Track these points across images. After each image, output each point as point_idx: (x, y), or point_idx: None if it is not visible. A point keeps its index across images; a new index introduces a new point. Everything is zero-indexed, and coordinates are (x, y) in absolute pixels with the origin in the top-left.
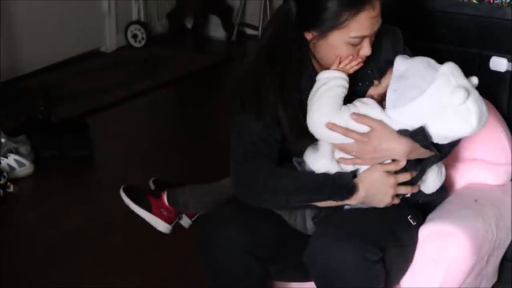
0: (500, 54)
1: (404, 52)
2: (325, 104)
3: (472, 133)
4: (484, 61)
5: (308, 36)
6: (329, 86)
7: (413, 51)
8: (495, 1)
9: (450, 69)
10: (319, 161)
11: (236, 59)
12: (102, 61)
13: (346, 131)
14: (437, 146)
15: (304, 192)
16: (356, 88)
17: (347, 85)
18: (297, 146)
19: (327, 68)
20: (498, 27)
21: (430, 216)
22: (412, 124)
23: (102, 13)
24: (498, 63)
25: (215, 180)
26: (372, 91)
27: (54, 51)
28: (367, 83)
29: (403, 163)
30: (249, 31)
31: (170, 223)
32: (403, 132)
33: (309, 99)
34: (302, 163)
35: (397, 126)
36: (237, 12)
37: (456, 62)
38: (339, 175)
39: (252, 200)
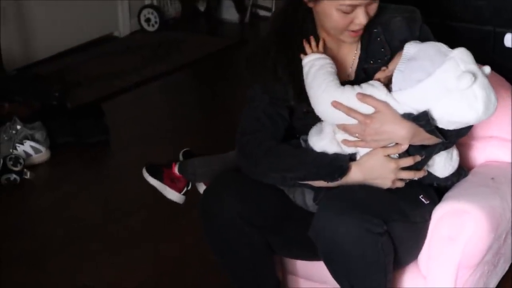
0: None
1: (420, 32)
2: (323, 82)
3: (479, 121)
4: (499, 38)
5: (307, 2)
6: (317, 67)
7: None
8: None
9: (460, 54)
10: (320, 142)
11: (249, 41)
12: (115, 46)
13: (349, 111)
14: (443, 132)
15: (299, 170)
16: (367, 66)
17: (332, 63)
18: (303, 124)
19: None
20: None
21: (446, 195)
22: (417, 107)
23: None
24: None
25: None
26: (380, 74)
27: (67, 37)
28: (379, 60)
29: (405, 147)
30: (262, 13)
31: (179, 192)
32: (407, 116)
33: (305, 83)
34: (307, 141)
35: (402, 109)
36: None
37: (470, 40)
38: (336, 157)
39: (251, 173)
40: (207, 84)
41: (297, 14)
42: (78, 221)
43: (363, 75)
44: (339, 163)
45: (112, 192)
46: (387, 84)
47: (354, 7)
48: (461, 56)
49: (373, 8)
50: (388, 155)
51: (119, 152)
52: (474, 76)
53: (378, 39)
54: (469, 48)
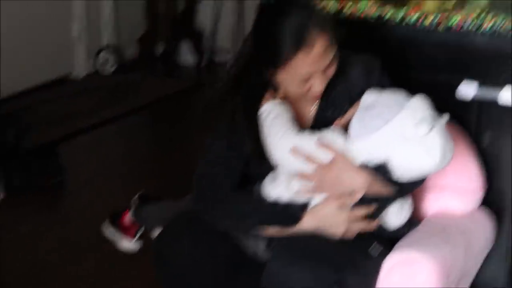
0: (468, 81)
1: (379, 81)
2: (281, 129)
3: (436, 169)
4: (453, 88)
5: (264, 71)
6: (275, 114)
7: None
8: (463, 28)
9: (418, 102)
10: (275, 190)
11: (206, 84)
12: (72, 87)
13: (308, 158)
14: (399, 183)
15: (253, 217)
16: (326, 114)
17: (290, 110)
18: (259, 171)
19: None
20: (466, 54)
21: (398, 244)
22: (375, 155)
23: (72, 38)
24: (466, 90)
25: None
26: (338, 122)
27: (24, 77)
28: (339, 109)
29: (358, 196)
30: (219, 57)
31: (131, 238)
32: (365, 166)
33: (264, 130)
34: (261, 189)
35: (360, 157)
36: (208, 38)
37: (425, 89)
38: (289, 205)
39: (205, 218)
40: (164, 126)
41: (252, 71)
42: (35, 262)
43: (322, 123)
44: (292, 211)
45: (69, 233)
46: (345, 131)
47: (309, 75)
48: (419, 104)
49: (332, 70)
50: (342, 205)
51: (75, 194)
52: (432, 124)
53: (338, 87)
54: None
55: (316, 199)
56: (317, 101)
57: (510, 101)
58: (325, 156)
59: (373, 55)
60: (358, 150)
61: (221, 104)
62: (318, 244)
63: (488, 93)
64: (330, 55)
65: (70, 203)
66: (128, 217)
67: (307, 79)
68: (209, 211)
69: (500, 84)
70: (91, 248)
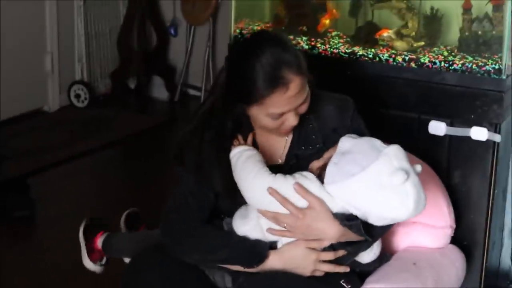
0: (439, 118)
1: (352, 121)
2: (253, 170)
3: (408, 218)
4: (423, 125)
5: (236, 105)
6: (245, 157)
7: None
8: (434, 66)
9: (394, 151)
10: (244, 227)
11: (179, 119)
12: (44, 121)
13: (284, 201)
14: (370, 230)
15: (220, 253)
16: (298, 152)
17: (259, 154)
18: (228, 205)
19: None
20: (437, 92)
21: (368, 279)
22: (349, 200)
23: (45, 72)
24: (437, 127)
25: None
26: (315, 164)
27: None
28: (310, 147)
29: (327, 243)
30: (192, 92)
31: (94, 261)
32: (339, 216)
33: (233, 174)
34: (230, 224)
35: (335, 205)
36: (180, 73)
37: (396, 126)
38: (256, 243)
39: (173, 252)
40: (137, 161)
41: (223, 107)
42: None
43: (293, 161)
44: (259, 250)
45: (38, 267)
46: (320, 174)
47: (282, 114)
48: (395, 153)
49: (305, 107)
50: (311, 248)
51: (45, 227)
52: (407, 174)
53: (310, 125)
54: (394, 133)
55: (285, 239)
56: (290, 136)
57: (482, 137)
58: (300, 201)
59: (345, 94)
60: (333, 196)
61: (192, 138)
62: (286, 281)
63: (459, 129)
64: (304, 94)
65: (39, 237)
66: (99, 240)
67: (280, 115)
68: (177, 244)
69: (471, 120)
70: (61, 281)
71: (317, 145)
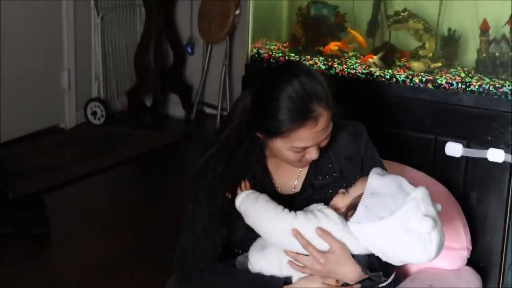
0: (456, 139)
1: (366, 149)
2: (267, 210)
3: (427, 262)
4: (440, 146)
5: (258, 135)
6: (253, 200)
7: (370, 136)
8: (451, 87)
9: (421, 195)
10: (263, 260)
11: (195, 137)
12: (61, 138)
13: (307, 244)
14: (388, 268)
15: None
16: (314, 182)
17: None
18: (243, 239)
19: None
20: (453, 113)
21: None
22: (372, 242)
23: (62, 89)
24: (453, 148)
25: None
26: (340, 201)
27: (13, 126)
28: (327, 177)
29: (341, 282)
30: (208, 110)
31: None
32: (362, 262)
33: (247, 222)
34: (245, 259)
35: (356, 245)
36: (197, 91)
37: (412, 147)
38: (270, 280)
39: None
40: (152, 179)
41: (243, 136)
42: None
43: (310, 190)
44: (274, 286)
45: (52, 283)
46: (345, 211)
47: (306, 148)
48: (422, 197)
49: (326, 141)
50: (327, 285)
51: (59, 244)
52: (434, 221)
53: (327, 154)
54: (411, 154)
55: (299, 273)
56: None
57: (499, 159)
58: (322, 244)
59: (357, 122)
60: (356, 235)
61: (204, 172)
62: None
63: (476, 151)
64: (329, 129)
65: (54, 254)
66: None
67: (304, 149)
68: (189, 283)
69: (488, 142)
70: None
71: (334, 174)
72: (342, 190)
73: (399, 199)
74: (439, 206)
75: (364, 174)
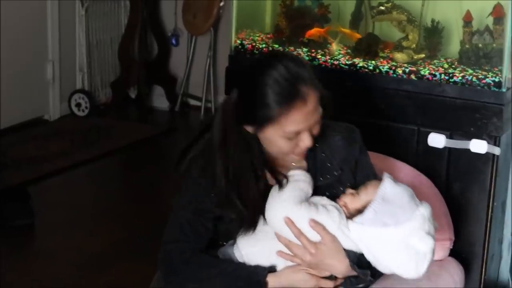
0: (438, 130)
1: (360, 153)
2: (286, 192)
3: (411, 278)
4: (423, 137)
5: (248, 129)
6: (297, 180)
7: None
8: (434, 78)
9: (428, 212)
10: (253, 248)
11: (179, 129)
12: (45, 129)
13: (299, 233)
14: (375, 271)
15: (217, 281)
16: (318, 184)
17: (309, 183)
18: (227, 229)
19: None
20: (436, 104)
21: None
22: (369, 246)
23: (46, 81)
24: (436, 139)
25: (157, 248)
26: (349, 201)
27: None
28: (328, 176)
29: (328, 274)
30: (193, 102)
31: None
32: (352, 257)
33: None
34: (232, 246)
35: (348, 241)
36: (181, 83)
37: (395, 138)
38: (254, 270)
39: (169, 282)
40: (136, 170)
41: (234, 132)
42: None
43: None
44: (257, 278)
45: (37, 276)
46: (353, 213)
47: (298, 132)
48: (428, 215)
49: (317, 128)
50: (312, 274)
51: (44, 236)
52: (433, 241)
53: (323, 154)
54: (394, 145)
55: (285, 262)
56: (303, 166)
57: (482, 150)
58: (314, 235)
59: (351, 125)
60: (354, 234)
61: (190, 165)
62: None
63: (459, 142)
64: (319, 111)
65: (39, 245)
66: None
67: (296, 135)
68: (173, 275)
69: (470, 133)
70: None
71: (335, 173)
72: (351, 190)
73: (407, 212)
74: (436, 225)
75: (358, 179)
